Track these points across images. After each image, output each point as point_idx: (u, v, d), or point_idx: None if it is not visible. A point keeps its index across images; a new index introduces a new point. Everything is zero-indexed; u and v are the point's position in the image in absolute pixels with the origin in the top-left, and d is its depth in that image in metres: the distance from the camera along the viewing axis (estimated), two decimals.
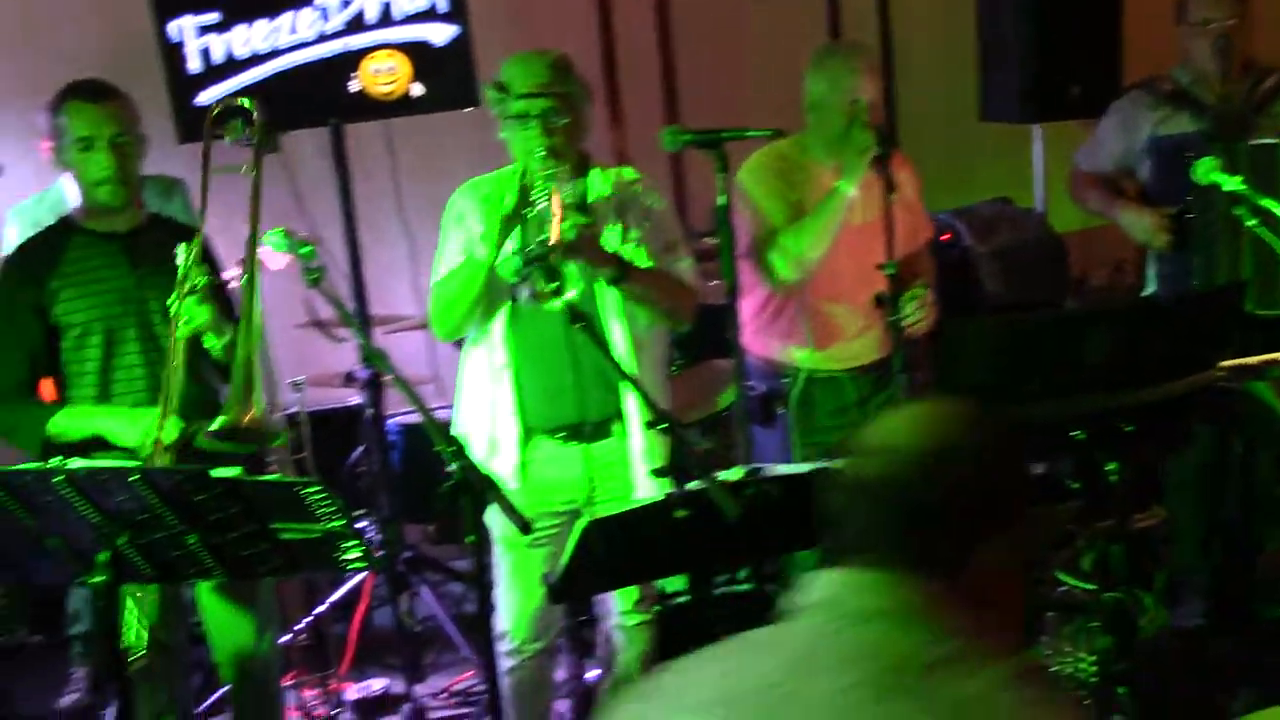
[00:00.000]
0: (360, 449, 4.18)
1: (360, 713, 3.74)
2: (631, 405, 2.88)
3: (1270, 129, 3.44)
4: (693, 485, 2.22)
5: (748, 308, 3.31)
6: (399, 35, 3.76)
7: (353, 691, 3.79)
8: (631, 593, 3.03)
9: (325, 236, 3.81)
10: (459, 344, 4.03)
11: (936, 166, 5.12)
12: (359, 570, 3.34)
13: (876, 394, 3.36)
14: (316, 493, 2.09)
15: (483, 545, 2.24)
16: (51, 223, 3.71)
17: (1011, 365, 2.99)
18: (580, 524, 2.32)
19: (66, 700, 3.95)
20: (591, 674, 3.51)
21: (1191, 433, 3.31)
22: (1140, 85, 3.67)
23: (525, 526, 2.14)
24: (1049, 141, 5.22)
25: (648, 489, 2.86)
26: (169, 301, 2.63)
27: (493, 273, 2.78)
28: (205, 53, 3.65)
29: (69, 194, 3.79)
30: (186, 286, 2.60)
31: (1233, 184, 3.08)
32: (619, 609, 3.06)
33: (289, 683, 3.60)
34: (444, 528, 4.34)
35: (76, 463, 2.16)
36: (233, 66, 3.66)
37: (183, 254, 2.63)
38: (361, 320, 3.76)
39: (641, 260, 2.85)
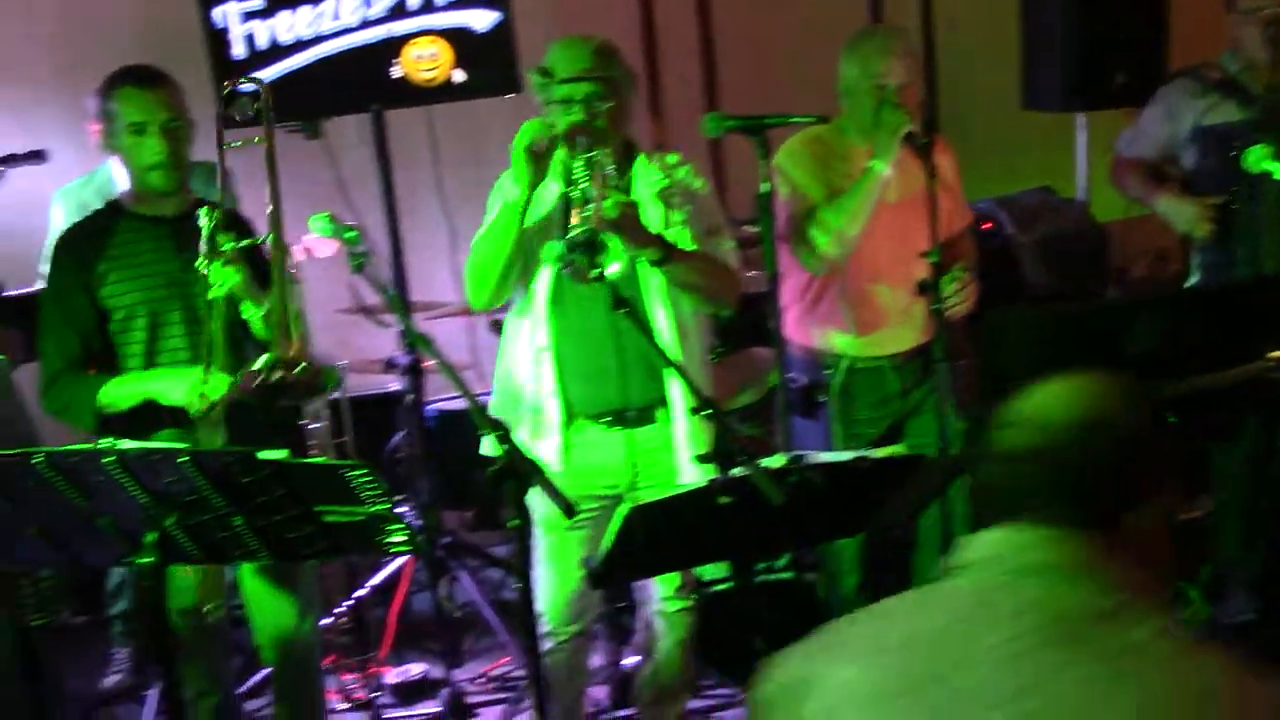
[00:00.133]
0: (400, 434, 4.20)
1: (399, 697, 3.76)
2: (675, 391, 2.88)
3: None
4: (736, 471, 2.22)
5: (787, 293, 3.30)
6: (441, 21, 3.77)
7: (392, 675, 3.82)
8: (672, 579, 3.03)
9: (366, 223, 3.81)
10: (498, 329, 4.06)
11: (978, 155, 5.08)
12: (402, 554, 3.37)
13: (919, 385, 3.34)
14: (361, 476, 2.10)
15: (525, 530, 2.24)
16: (97, 205, 3.77)
17: (1054, 355, 2.97)
18: (622, 510, 2.32)
19: (110, 681, 4.00)
20: (629, 660, 3.52)
21: (1238, 424, 3.28)
22: (1187, 72, 3.63)
23: (569, 509, 2.14)
24: (1092, 131, 5.17)
25: (691, 475, 2.86)
26: (198, 264, 2.64)
27: (527, 233, 2.78)
28: (249, 39, 3.68)
29: (117, 177, 3.83)
30: (215, 251, 2.61)
31: None
32: (659, 595, 3.06)
33: (328, 666, 3.63)
34: (481, 514, 4.36)
35: (126, 444, 2.18)
36: (276, 52, 3.68)
37: (204, 218, 2.65)
38: (393, 309, 3.77)
39: (685, 242, 2.85)
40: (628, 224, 2.64)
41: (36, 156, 3.99)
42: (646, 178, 2.92)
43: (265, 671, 3.29)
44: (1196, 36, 4.11)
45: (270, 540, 2.25)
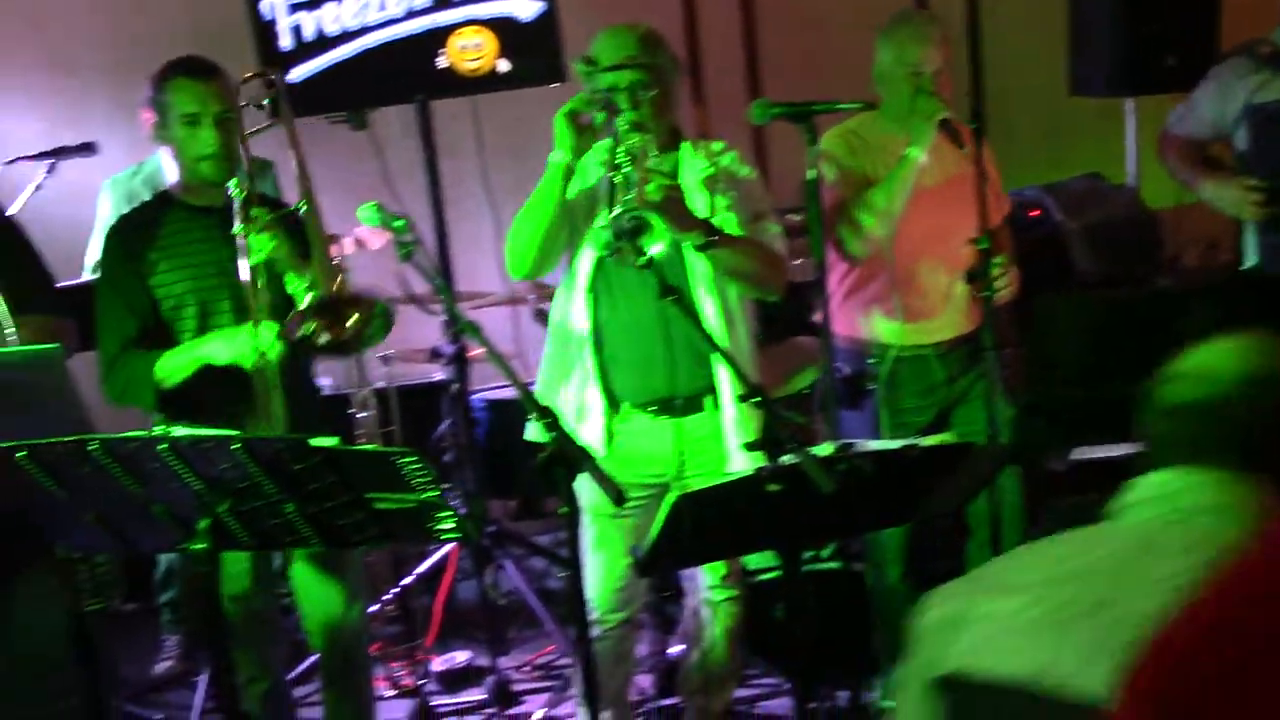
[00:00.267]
0: (445, 423, 4.22)
1: (445, 684, 3.79)
2: (723, 379, 2.87)
3: None
4: (786, 459, 2.21)
5: (831, 281, 3.28)
6: (486, 11, 3.77)
7: (438, 663, 3.85)
8: (719, 568, 3.03)
9: (411, 214, 3.83)
10: (542, 318, 4.06)
11: (1026, 142, 5.05)
12: (452, 540, 3.39)
13: (964, 374, 3.32)
14: (412, 463, 2.10)
15: (575, 518, 2.24)
16: (145, 195, 3.81)
17: (1106, 341, 2.94)
18: (670, 498, 2.31)
19: (160, 667, 4.05)
20: (674, 649, 3.52)
21: None
22: (1239, 49, 3.56)
23: (619, 497, 2.14)
24: (1142, 116, 5.09)
25: (739, 463, 2.85)
26: (234, 230, 2.66)
27: (571, 205, 2.79)
28: (296, 30, 3.70)
29: (166, 168, 3.87)
30: (249, 219, 2.65)
31: None
32: (705, 584, 3.06)
33: (375, 653, 3.66)
34: (525, 503, 4.38)
35: (180, 431, 2.20)
36: (323, 44, 3.70)
37: (233, 188, 2.67)
38: (441, 298, 3.79)
39: (731, 227, 2.84)
40: (671, 206, 2.64)
41: (87, 149, 4.04)
42: (692, 165, 2.91)
43: (313, 658, 3.32)
44: (1249, 18, 4.04)
45: (321, 527, 2.26)
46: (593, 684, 2.43)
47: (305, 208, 2.69)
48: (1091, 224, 4.74)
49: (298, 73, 3.70)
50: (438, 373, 4.21)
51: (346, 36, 3.71)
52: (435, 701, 3.66)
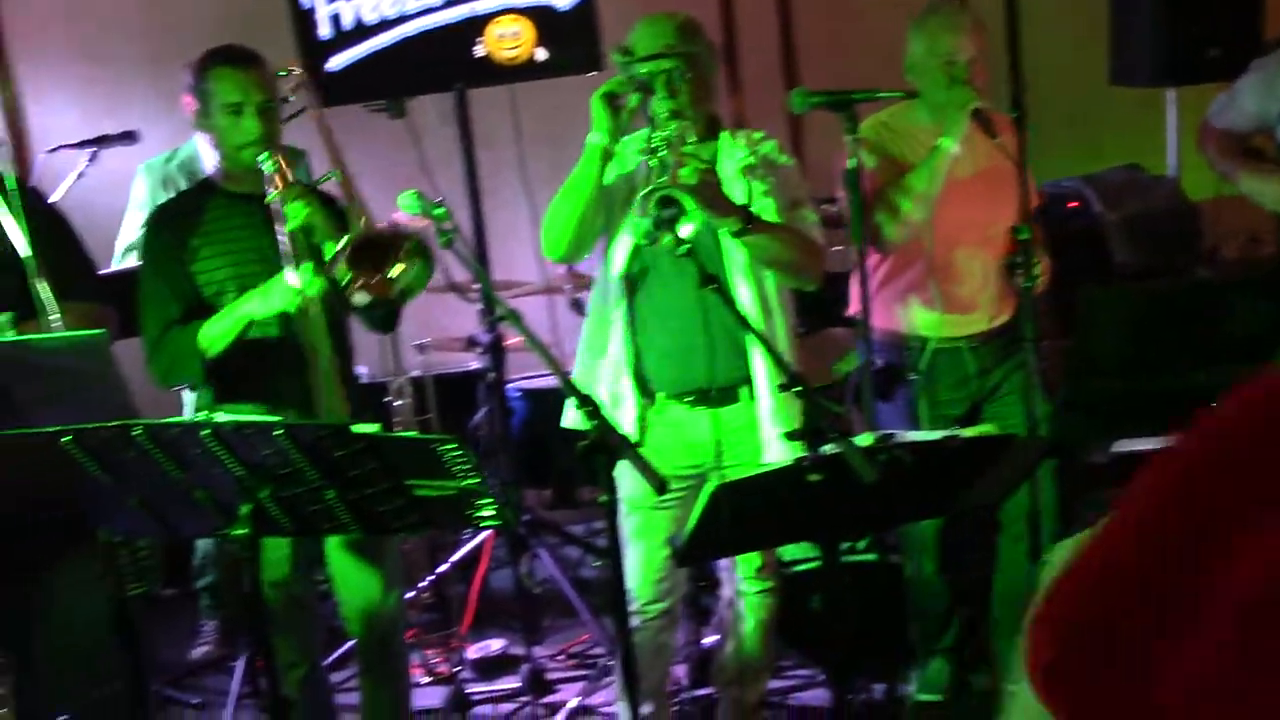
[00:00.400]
0: (481, 412, 4.23)
1: (479, 671, 3.80)
2: (760, 368, 2.86)
3: None
4: (828, 449, 2.20)
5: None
6: (524, 0, 3.77)
7: (472, 651, 3.86)
8: (754, 561, 3.02)
9: (447, 202, 3.84)
10: (578, 308, 4.07)
11: (1064, 132, 4.99)
12: (492, 527, 3.40)
13: (998, 364, 3.30)
14: (453, 450, 2.11)
15: (615, 506, 2.24)
16: (180, 181, 3.84)
17: (1150, 334, 2.91)
18: (709, 487, 2.31)
19: (198, 652, 4.09)
20: (709, 639, 3.51)
21: None
22: None
23: (662, 486, 2.14)
24: (1183, 106, 5.02)
25: (776, 453, 2.84)
26: (268, 199, 2.68)
27: (608, 190, 2.79)
28: (335, 18, 3.71)
29: (202, 154, 3.89)
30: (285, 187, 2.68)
31: None
32: (741, 576, 3.05)
33: (410, 640, 3.67)
34: (559, 492, 4.38)
35: (223, 417, 2.22)
36: (361, 32, 3.71)
37: (264, 160, 2.69)
38: (481, 286, 3.79)
39: (769, 214, 2.83)
40: (706, 190, 2.63)
41: (128, 137, 4.07)
42: (731, 154, 2.90)
43: (349, 643, 3.34)
44: None
45: (361, 513, 2.28)
46: (633, 676, 2.43)
47: (338, 176, 2.71)
48: (1131, 215, 4.69)
49: (336, 61, 3.71)
50: (473, 361, 4.22)
51: (385, 25, 3.72)
52: (470, 689, 3.67)
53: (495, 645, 3.89)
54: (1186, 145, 4.90)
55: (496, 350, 3.86)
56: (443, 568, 4.03)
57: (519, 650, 3.80)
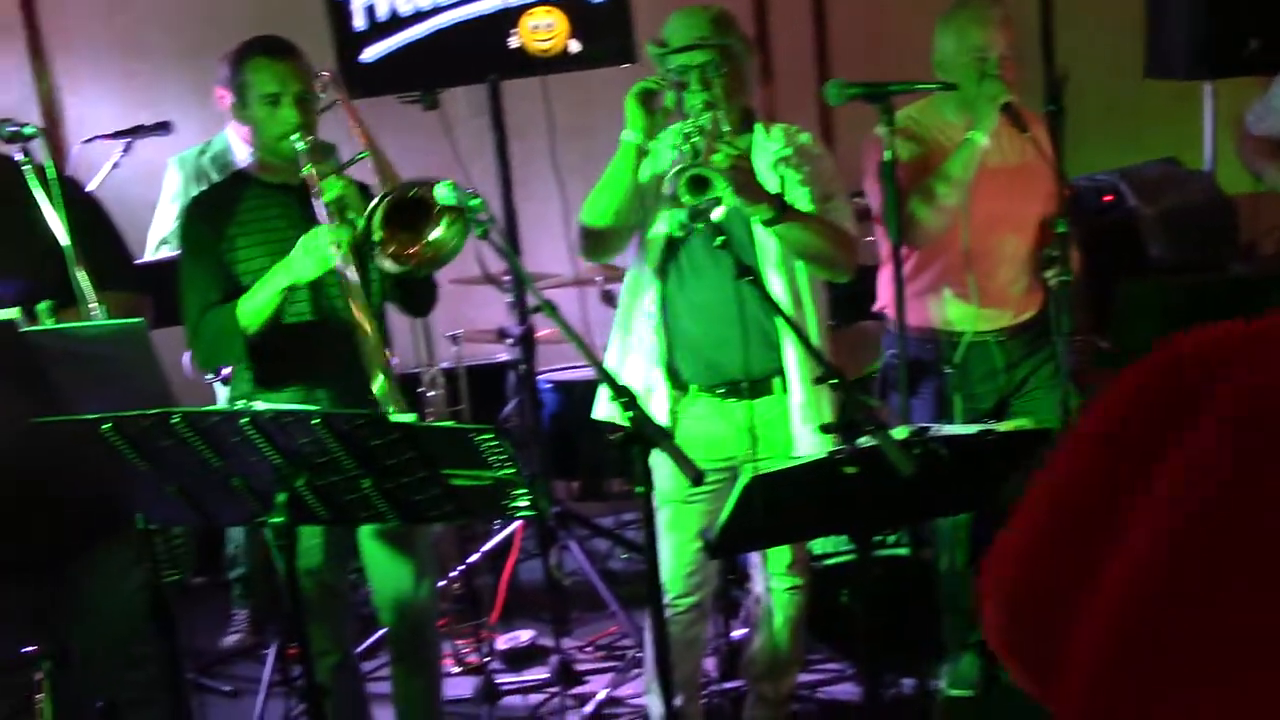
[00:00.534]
0: (511, 404, 4.24)
1: (508, 662, 3.81)
2: (791, 360, 2.85)
3: None
4: (865, 441, 2.19)
5: (892, 269, 3.25)
6: None
7: (502, 641, 3.87)
8: (784, 557, 3.02)
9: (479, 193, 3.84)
10: (609, 300, 4.06)
11: (1100, 125, 4.95)
12: (526, 518, 3.41)
13: (1025, 358, 3.28)
14: (490, 440, 2.12)
15: (650, 497, 2.24)
16: (213, 173, 3.85)
17: (1187, 328, 2.89)
18: (744, 479, 2.31)
19: (230, 640, 4.12)
20: (738, 632, 3.51)
21: None
22: None
23: (698, 477, 2.13)
24: (1221, 99, 4.97)
25: (806, 445, 2.84)
26: (303, 171, 2.69)
27: (643, 188, 2.79)
28: (370, 10, 3.71)
29: (234, 146, 3.91)
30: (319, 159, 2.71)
31: None
32: (771, 572, 3.05)
33: (440, 629, 3.68)
34: (587, 485, 4.38)
35: (261, 405, 2.23)
36: (396, 23, 3.71)
37: (297, 138, 2.70)
38: (516, 276, 3.80)
39: (804, 202, 2.82)
40: (739, 175, 2.62)
41: (163, 128, 4.10)
42: (764, 148, 2.89)
43: (381, 632, 3.35)
44: None
45: (397, 502, 2.28)
46: (666, 670, 2.43)
47: (370, 155, 2.73)
48: (1167, 210, 4.65)
49: (370, 53, 3.72)
50: (500, 353, 4.23)
51: (419, 16, 3.72)
52: (499, 679, 3.68)
53: (524, 636, 3.90)
54: (1223, 139, 4.86)
55: (527, 342, 3.86)
56: (473, 558, 4.04)
57: (548, 641, 3.81)
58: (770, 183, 2.81)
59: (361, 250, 2.65)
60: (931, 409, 3.25)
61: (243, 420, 2.15)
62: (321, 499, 2.29)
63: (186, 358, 3.75)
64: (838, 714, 3.46)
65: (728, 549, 2.84)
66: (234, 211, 2.82)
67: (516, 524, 4.02)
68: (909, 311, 3.28)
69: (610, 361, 3.00)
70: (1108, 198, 4.65)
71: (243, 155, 3.82)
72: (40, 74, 4.71)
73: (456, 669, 3.76)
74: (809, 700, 3.50)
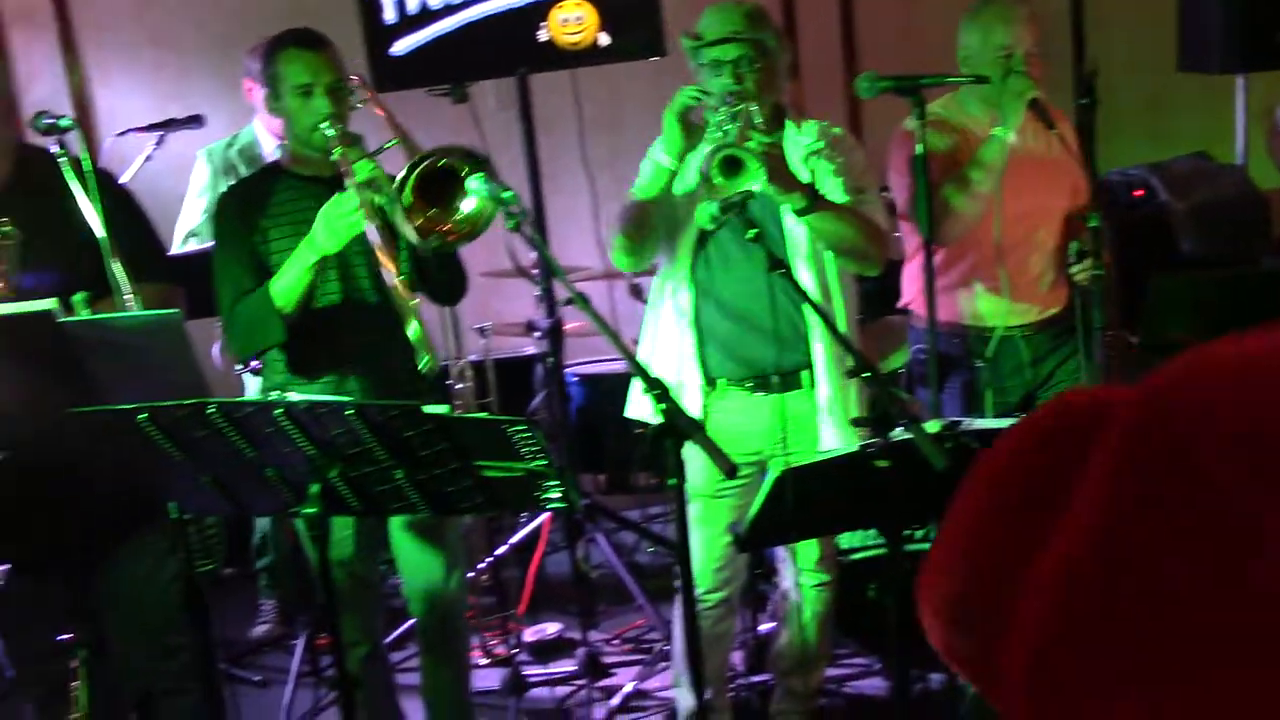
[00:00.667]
0: (539, 397, 4.25)
1: (535, 654, 3.82)
2: (818, 355, 2.85)
3: None
4: (897, 434, 2.19)
5: (918, 265, 3.24)
6: None
7: (529, 633, 3.88)
8: (813, 552, 3.01)
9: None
10: (637, 294, 4.07)
11: (1131, 119, 4.92)
12: (558, 510, 3.41)
13: (1051, 353, 3.27)
14: (522, 432, 2.12)
15: (683, 490, 2.24)
16: (241, 166, 3.87)
17: (1219, 322, 2.87)
18: (774, 473, 2.31)
19: (258, 630, 4.15)
20: (765, 626, 3.51)
21: None
22: None
23: (732, 469, 2.13)
24: (1253, 92, 4.93)
25: (831, 439, 2.83)
26: (333, 156, 2.69)
27: (676, 201, 2.80)
28: (400, 3, 3.73)
29: (262, 139, 3.93)
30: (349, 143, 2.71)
31: None
32: (800, 568, 3.05)
33: (468, 621, 3.70)
34: (614, 478, 4.39)
35: (295, 396, 2.24)
36: (426, 17, 3.72)
37: (327, 125, 2.71)
38: (545, 270, 3.81)
39: (836, 193, 2.81)
40: (770, 162, 2.62)
41: (195, 121, 4.11)
42: (796, 143, 2.89)
43: (410, 623, 3.37)
44: None
45: (429, 493, 2.29)
46: (697, 664, 2.44)
47: (399, 143, 2.75)
48: (1198, 204, 4.62)
49: (400, 46, 3.73)
50: (528, 346, 4.24)
51: (449, 10, 3.73)
52: (527, 671, 3.70)
53: (551, 629, 3.91)
54: (1255, 133, 4.83)
55: (555, 335, 3.87)
56: (500, 551, 4.06)
57: (575, 634, 3.82)
58: (802, 176, 2.80)
59: (390, 224, 2.65)
60: (959, 403, 3.25)
61: (277, 411, 2.16)
62: (354, 490, 2.30)
63: (216, 349, 3.79)
64: (865, 709, 3.46)
65: (757, 542, 2.84)
66: (266, 204, 2.83)
67: (544, 517, 4.02)
68: (953, 305, 3.28)
69: (642, 356, 3.00)
70: (1138, 192, 4.62)
71: (270, 148, 3.83)
72: (71, 66, 4.74)
73: (484, 660, 3.78)
74: (837, 695, 3.50)
